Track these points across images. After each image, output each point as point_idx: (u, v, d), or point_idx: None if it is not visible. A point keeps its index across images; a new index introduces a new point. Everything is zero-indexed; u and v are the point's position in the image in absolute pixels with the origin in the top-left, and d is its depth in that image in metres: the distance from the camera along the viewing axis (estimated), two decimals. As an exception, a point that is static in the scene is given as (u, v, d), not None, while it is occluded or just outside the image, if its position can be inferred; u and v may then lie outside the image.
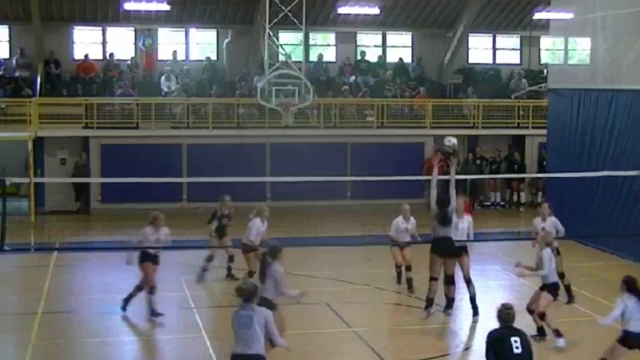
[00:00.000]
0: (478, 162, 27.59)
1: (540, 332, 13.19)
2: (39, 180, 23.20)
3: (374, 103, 27.28)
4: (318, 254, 17.85)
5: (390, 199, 25.49)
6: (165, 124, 26.08)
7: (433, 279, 13.91)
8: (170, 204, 24.44)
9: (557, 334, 13.01)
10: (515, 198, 27.85)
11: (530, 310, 13.14)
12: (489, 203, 27.83)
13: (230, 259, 17.07)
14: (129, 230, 21.69)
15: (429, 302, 13.95)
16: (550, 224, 15.83)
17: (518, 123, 27.93)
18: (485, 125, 27.62)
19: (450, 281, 14.22)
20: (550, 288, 13.14)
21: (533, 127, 27.38)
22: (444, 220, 13.80)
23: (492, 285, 16.88)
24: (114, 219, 23.98)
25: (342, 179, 24.02)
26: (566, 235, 20.69)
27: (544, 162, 26.55)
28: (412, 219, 16.49)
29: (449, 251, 13.92)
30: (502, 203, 27.86)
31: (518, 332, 8.95)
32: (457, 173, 24.47)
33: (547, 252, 13.07)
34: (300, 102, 23.81)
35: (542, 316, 13.07)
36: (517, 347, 8.79)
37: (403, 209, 16.46)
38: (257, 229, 15.64)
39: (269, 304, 10.89)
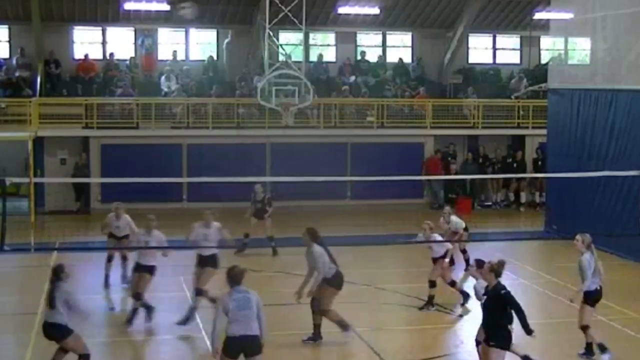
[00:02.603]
0: (480, 160, 27.57)
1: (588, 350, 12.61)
2: (39, 180, 23.21)
3: (374, 103, 27.28)
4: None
5: (390, 199, 25.58)
6: (165, 124, 26.08)
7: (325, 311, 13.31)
8: (170, 204, 24.47)
9: (601, 348, 12.46)
10: (514, 198, 27.84)
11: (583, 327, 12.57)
12: (489, 203, 27.84)
13: (270, 239, 19.30)
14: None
15: (317, 330, 13.29)
16: (454, 223, 17.59)
17: (518, 123, 27.93)
18: (485, 125, 27.63)
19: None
20: (587, 297, 12.45)
21: (533, 127, 27.38)
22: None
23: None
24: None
25: (342, 179, 24.03)
26: (567, 235, 20.76)
27: (539, 162, 26.59)
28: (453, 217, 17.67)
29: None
30: (500, 202, 27.87)
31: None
32: (457, 173, 24.81)
33: (587, 258, 12.35)
34: (300, 102, 23.82)
35: (584, 329, 12.54)
36: None
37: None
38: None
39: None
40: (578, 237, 12.49)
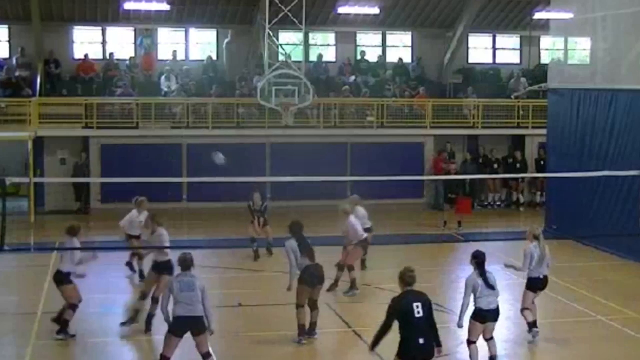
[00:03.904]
0: (480, 160, 27.54)
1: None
2: (39, 180, 23.20)
3: (374, 103, 27.28)
4: (318, 254, 17.92)
5: (390, 199, 25.56)
6: (165, 124, 26.08)
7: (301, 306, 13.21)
8: (170, 204, 24.44)
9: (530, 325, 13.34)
10: (515, 198, 27.85)
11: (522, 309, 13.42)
12: (486, 203, 27.83)
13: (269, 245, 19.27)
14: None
15: (302, 330, 13.17)
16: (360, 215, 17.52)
17: (518, 123, 27.92)
18: (485, 125, 27.62)
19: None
20: (530, 283, 13.29)
21: (533, 127, 27.37)
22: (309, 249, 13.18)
23: (492, 285, 16.86)
24: (114, 219, 23.88)
25: (342, 179, 24.00)
26: (567, 235, 20.79)
27: (542, 162, 26.58)
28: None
29: (319, 279, 13.27)
30: (499, 203, 27.87)
31: (420, 297, 9.76)
32: (457, 173, 24.83)
33: (531, 247, 13.26)
34: (300, 102, 23.81)
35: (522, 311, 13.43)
36: (418, 312, 9.60)
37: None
38: (132, 220, 16.85)
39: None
40: (528, 228, 13.62)
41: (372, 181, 20.34)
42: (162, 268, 13.77)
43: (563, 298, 15.81)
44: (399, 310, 9.64)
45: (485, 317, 11.64)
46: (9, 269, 18.06)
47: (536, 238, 13.23)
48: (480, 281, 11.51)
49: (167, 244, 14.05)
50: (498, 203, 27.90)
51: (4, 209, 13.11)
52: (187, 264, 10.92)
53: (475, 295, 11.51)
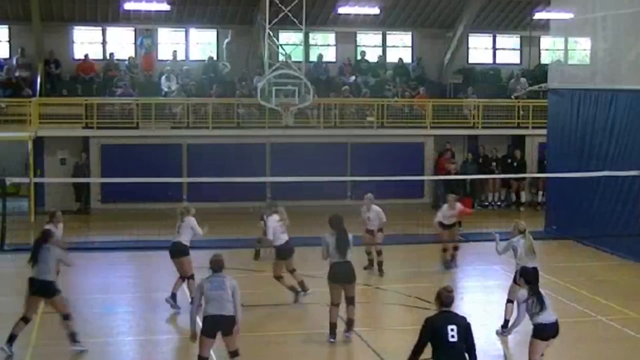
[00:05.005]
0: (480, 160, 27.53)
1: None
2: (39, 180, 23.21)
3: (374, 103, 27.28)
4: (318, 253, 17.93)
5: (390, 199, 25.52)
6: (165, 124, 26.08)
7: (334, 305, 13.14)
8: (170, 204, 24.42)
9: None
10: (515, 197, 27.84)
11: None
12: (487, 203, 27.82)
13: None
14: (129, 230, 21.77)
15: (332, 328, 13.10)
16: (375, 213, 17.42)
17: (518, 123, 27.93)
18: (485, 125, 27.63)
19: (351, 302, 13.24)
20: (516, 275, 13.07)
21: (533, 127, 27.37)
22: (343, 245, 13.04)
23: (492, 286, 16.89)
24: (114, 219, 23.97)
25: (342, 179, 24.02)
26: (567, 235, 20.76)
27: (545, 162, 26.57)
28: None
29: (346, 277, 13.06)
30: (499, 203, 27.86)
31: (456, 320, 8.89)
32: (457, 173, 24.81)
33: (514, 240, 13.59)
34: (300, 102, 23.83)
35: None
36: (452, 336, 8.72)
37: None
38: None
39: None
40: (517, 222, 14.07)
41: (372, 181, 20.36)
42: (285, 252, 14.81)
43: (563, 298, 15.80)
44: (430, 330, 8.83)
45: (547, 332, 11.05)
46: (9, 269, 18.05)
47: (521, 232, 13.58)
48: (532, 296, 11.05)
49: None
50: (498, 203, 27.91)
51: (4, 209, 13.15)
52: (219, 265, 10.97)
53: (531, 311, 11.01)
